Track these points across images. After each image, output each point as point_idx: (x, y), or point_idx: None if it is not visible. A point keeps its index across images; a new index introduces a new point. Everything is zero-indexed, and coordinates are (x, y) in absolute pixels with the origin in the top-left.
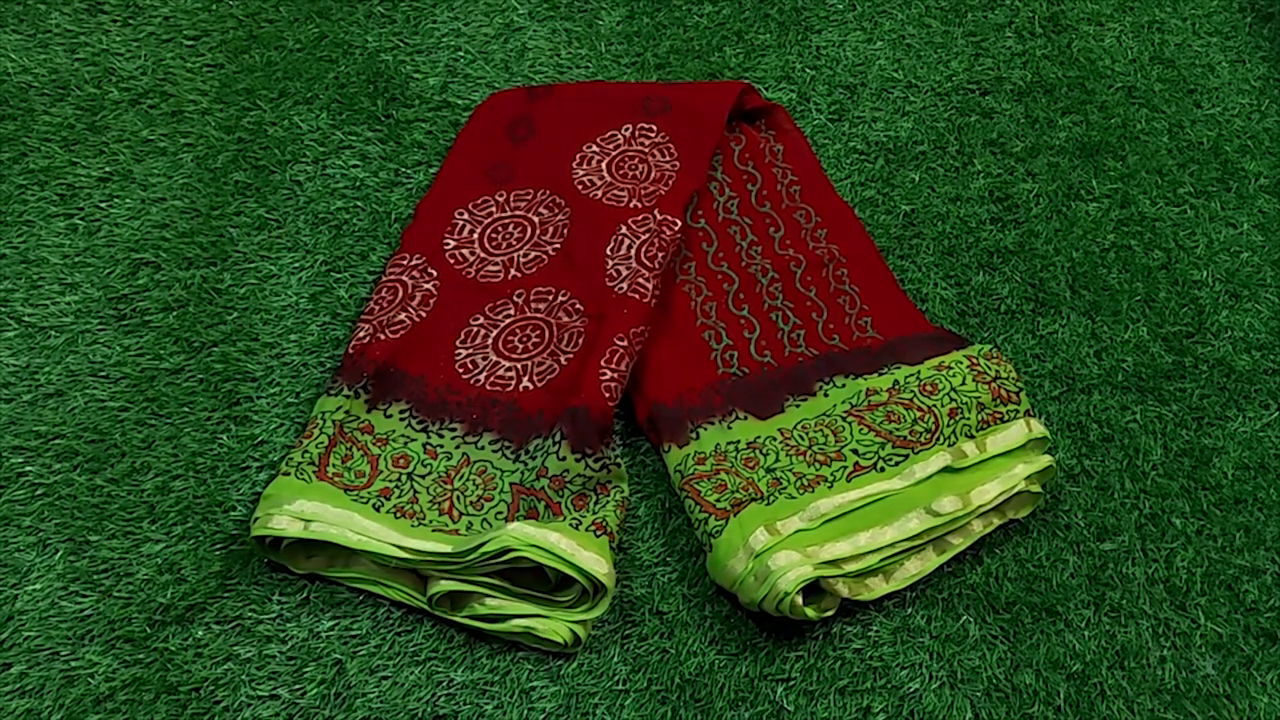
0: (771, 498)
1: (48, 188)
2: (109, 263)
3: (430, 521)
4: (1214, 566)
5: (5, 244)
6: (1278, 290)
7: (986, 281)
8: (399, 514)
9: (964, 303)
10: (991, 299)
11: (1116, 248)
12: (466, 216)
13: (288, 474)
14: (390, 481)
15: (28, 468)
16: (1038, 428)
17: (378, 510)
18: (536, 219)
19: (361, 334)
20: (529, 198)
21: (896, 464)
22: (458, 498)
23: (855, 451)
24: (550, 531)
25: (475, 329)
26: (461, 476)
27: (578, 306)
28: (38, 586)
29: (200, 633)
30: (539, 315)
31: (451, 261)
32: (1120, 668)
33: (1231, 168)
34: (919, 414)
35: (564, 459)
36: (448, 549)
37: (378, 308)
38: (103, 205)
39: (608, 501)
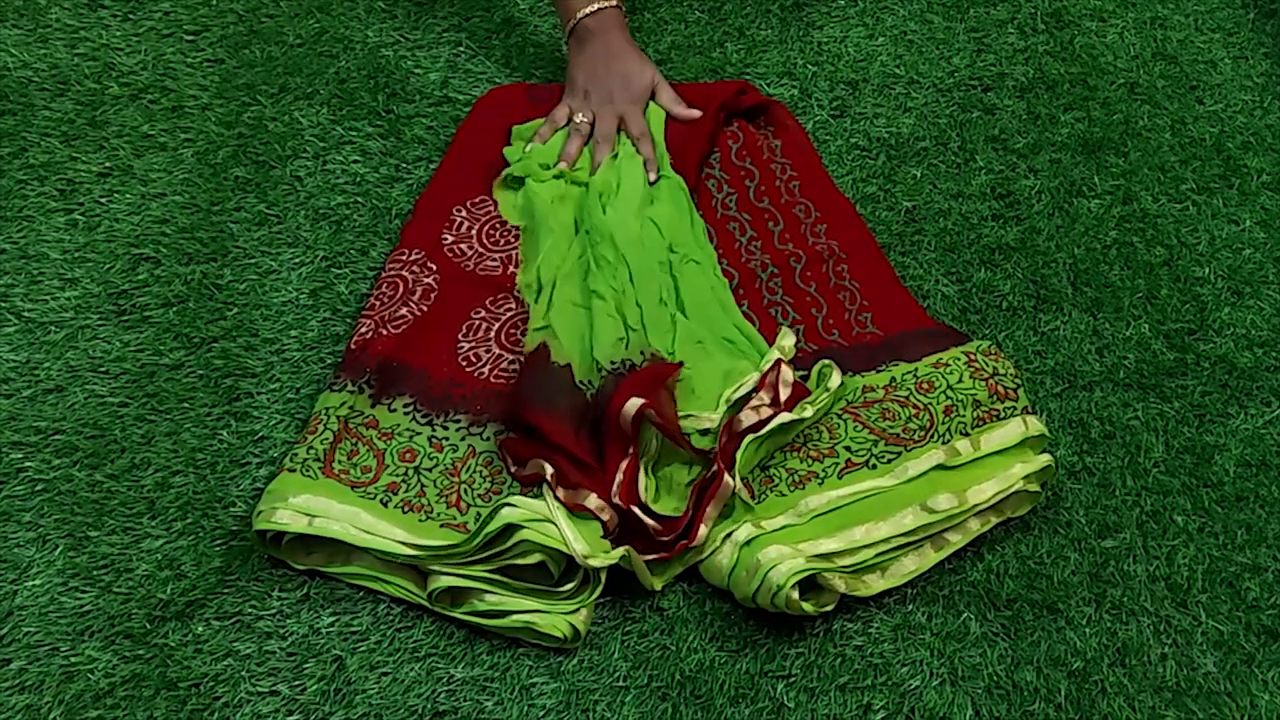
0: (762, 496)
1: (48, 183)
2: (109, 258)
3: (438, 515)
4: (1215, 564)
5: (5, 239)
6: (1279, 287)
7: (988, 278)
8: (406, 508)
9: (965, 299)
10: (993, 296)
11: (1118, 244)
12: (464, 214)
13: (293, 470)
14: (397, 476)
15: (27, 463)
16: (1035, 425)
17: (385, 505)
18: None
19: (363, 329)
20: None
21: (889, 461)
22: (465, 490)
23: (848, 449)
24: (543, 501)
25: (477, 322)
26: (468, 469)
27: None
28: (37, 582)
29: (200, 629)
30: None
31: (451, 256)
32: (1121, 665)
33: (1234, 164)
34: (914, 411)
35: None
36: (454, 543)
37: (379, 303)
38: (103, 200)
39: None
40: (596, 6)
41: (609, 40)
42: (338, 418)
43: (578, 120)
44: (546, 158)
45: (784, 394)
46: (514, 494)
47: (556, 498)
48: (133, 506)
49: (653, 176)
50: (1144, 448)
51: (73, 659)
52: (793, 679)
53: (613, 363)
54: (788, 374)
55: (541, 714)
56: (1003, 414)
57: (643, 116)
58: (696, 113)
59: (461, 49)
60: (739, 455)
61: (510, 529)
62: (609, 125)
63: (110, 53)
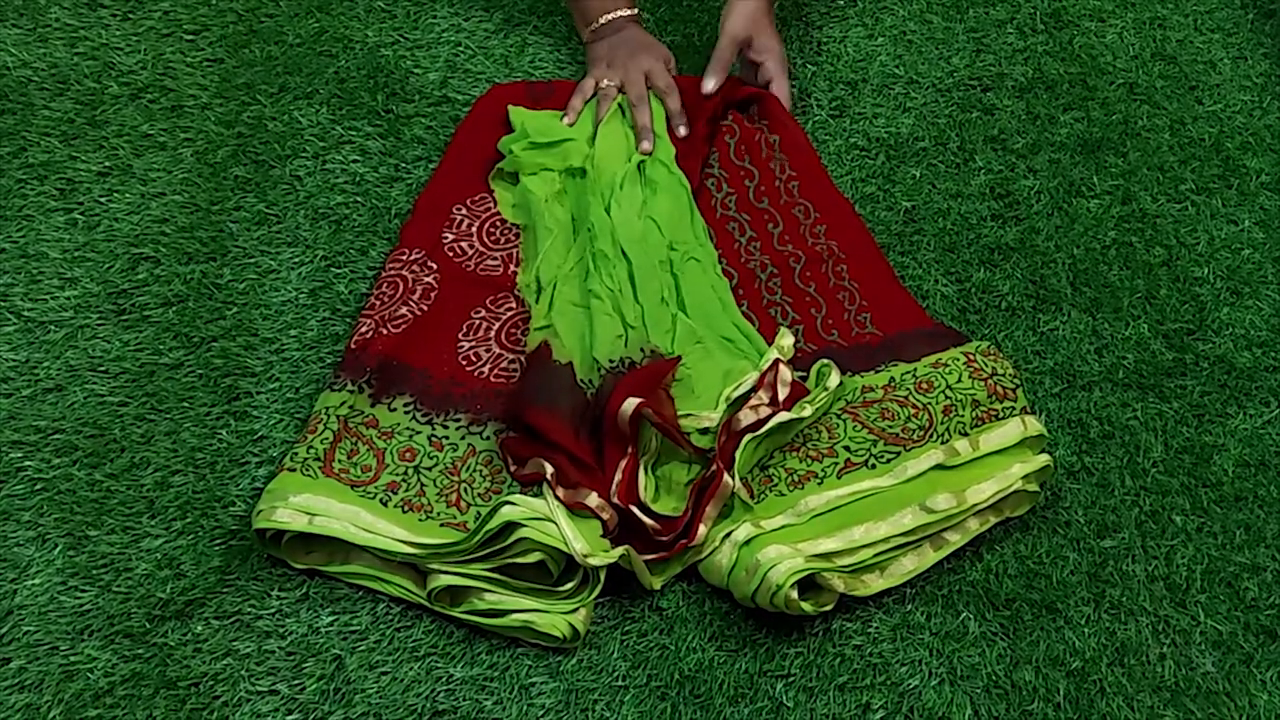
0: (761, 495)
1: (47, 182)
2: (108, 257)
3: (438, 514)
4: (1214, 564)
5: (5, 238)
6: (1279, 287)
7: (987, 278)
8: (407, 508)
9: (965, 299)
10: (992, 296)
11: (1117, 244)
12: (465, 212)
13: (293, 469)
14: (397, 475)
15: (27, 463)
16: (1034, 425)
17: (385, 505)
18: None
19: (363, 329)
20: None
21: (888, 461)
22: (465, 489)
23: (847, 448)
24: (543, 500)
25: (477, 322)
26: (468, 468)
27: None
28: (37, 581)
29: (199, 628)
30: None
31: (451, 254)
32: (1120, 665)
33: (1233, 164)
34: (913, 411)
35: None
36: (454, 541)
37: (379, 303)
38: (102, 200)
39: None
40: (616, 15)
41: (629, 30)
42: (338, 417)
43: (604, 85)
44: (548, 135)
45: (782, 394)
46: (514, 493)
47: (556, 496)
48: (132, 506)
49: (683, 131)
50: (1143, 448)
51: (72, 658)
52: (792, 678)
53: (611, 361)
54: (786, 374)
55: (541, 713)
56: (1001, 414)
57: (668, 74)
58: (683, 131)
59: (461, 49)
60: (738, 455)
61: (510, 527)
62: (640, 86)
63: (110, 52)
